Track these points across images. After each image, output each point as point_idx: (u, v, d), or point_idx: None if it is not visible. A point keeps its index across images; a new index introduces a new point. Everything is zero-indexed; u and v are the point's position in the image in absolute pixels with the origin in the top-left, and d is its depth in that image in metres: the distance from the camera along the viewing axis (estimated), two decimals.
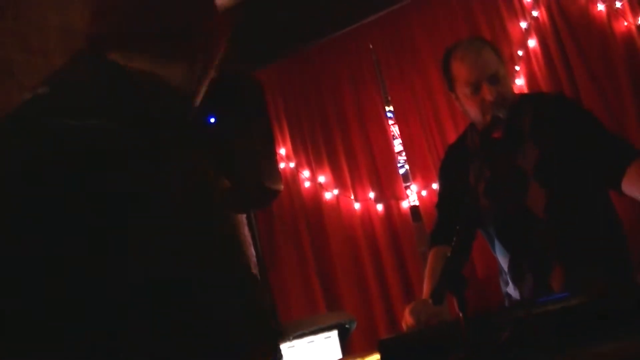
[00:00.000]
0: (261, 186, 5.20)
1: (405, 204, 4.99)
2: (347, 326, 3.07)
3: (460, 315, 1.57)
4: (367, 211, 5.07)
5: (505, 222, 2.51)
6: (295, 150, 5.33)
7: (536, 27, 4.52)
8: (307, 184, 5.27)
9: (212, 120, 4.92)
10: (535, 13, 4.52)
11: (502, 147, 2.48)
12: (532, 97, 2.72)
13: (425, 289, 2.51)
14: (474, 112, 2.51)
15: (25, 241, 1.88)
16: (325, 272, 5.18)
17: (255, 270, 5.27)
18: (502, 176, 2.49)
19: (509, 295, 2.59)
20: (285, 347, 2.60)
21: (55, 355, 1.95)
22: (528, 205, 2.41)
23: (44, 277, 1.92)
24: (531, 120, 2.48)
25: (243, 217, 5.41)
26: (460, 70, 2.51)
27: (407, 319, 2.23)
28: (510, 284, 2.54)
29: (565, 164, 2.39)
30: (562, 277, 2.35)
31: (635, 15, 4.23)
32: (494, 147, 2.47)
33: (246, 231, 5.42)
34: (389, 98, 5.18)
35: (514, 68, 4.51)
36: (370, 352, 2.30)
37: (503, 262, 2.55)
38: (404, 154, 5.12)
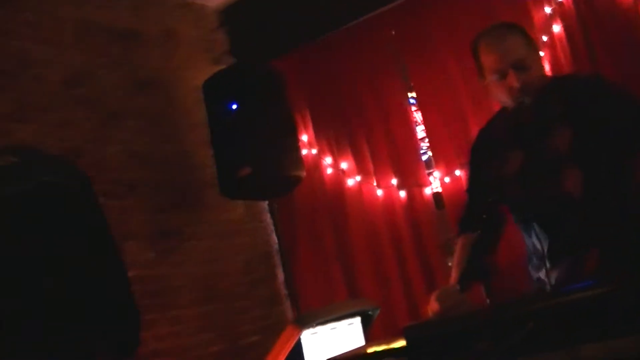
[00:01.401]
0: (282, 173, 5.23)
1: (427, 191, 4.96)
2: (370, 313, 3.06)
3: (487, 302, 1.55)
4: (390, 198, 5.04)
5: (542, 206, 2.49)
6: (318, 137, 5.31)
7: (560, 12, 4.45)
8: (329, 171, 5.26)
9: (234, 107, 4.94)
10: None
11: (534, 130, 2.46)
12: (564, 79, 2.69)
13: (453, 276, 2.50)
14: (502, 98, 2.51)
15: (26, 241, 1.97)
16: (346, 259, 5.17)
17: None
18: (535, 160, 2.47)
19: (540, 280, 2.57)
20: (308, 334, 2.60)
21: (55, 355, 1.98)
22: (564, 189, 2.39)
23: (44, 277, 1.97)
24: (564, 102, 2.45)
25: (264, 204, 5.42)
26: (487, 57, 2.51)
27: (432, 305, 2.22)
28: (544, 268, 2.52)
29: (599, 144, 2.37)
30: (597, 261, 2.33)
31: None
32: (525, 131, 2.45)
33: (267, 218, 5.43)
34: (412, 84, 5.15)
35: (539, 54, 4.45)
36: (392, 339, 2.28)
37: (540, 246, 2.53)
38: (426, 140, 5.09)
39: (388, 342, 2.09)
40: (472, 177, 2.77)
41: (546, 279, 2.52)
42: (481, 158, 2.70)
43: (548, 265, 2.51)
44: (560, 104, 2.46)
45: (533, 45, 2.54)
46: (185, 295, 4.58)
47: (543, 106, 2.46)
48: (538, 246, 2.54)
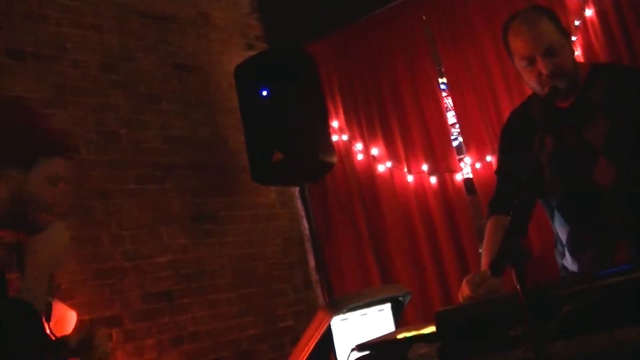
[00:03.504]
0: (315, 159, 5.22)
1: (459, 177, 4.94)
2: (400, 299, 3.05)
3: (519, 287, 1.54)
4: (421, 184, 5.04)
5: (570, 194, 2.47)
6: (349, 122, 5.31)
7: None
8: (360, 157, 5.26)
9: (265, 93, 4.96)
10: None
11: (569, 118, 2.44)
12: (607, 68, 2.65)
13: (484, 260, 2.48)
14: (532, 84, 2.48)
15: None
16: (379, 245, 5.18)
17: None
18: (568, 148, 2.45)
19: (564, 268, 2.55)
20: (338, 320, 2.60)
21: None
22: (595, 179, 2.37)
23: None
24: (604, 92, 2.42)
25: (295, 190, 5.43)
26: (516, 44, 2.47)
27: (464, 290, 2.20)
28: (568, 256, 2.50)
29: (636, 138, 2.34)
30: (627, 253, 2.31)
31: None
32: (559, 118, 2.43)
33: (299, 204, 5.44)
34: (443, 70, 5.13)
35: (570, 39, 4.38)
36: (424, 325, 2.29)
37: (562, 233, 2.51)
38: (457, 126, 5.06)
39: (419, 327, 2.09)
40: (503, 160, 2.74)
41: (569, 266, 2.50)
42: (512, 140, 2.67)
43: (567, 253, 2.49)
44: (600, 93, 2.42)
45: (563, 31, 2.50)
46: (221, 279, 4.63)
47: (582, 93, 2.43)
48: (559, 233, 2.53)
